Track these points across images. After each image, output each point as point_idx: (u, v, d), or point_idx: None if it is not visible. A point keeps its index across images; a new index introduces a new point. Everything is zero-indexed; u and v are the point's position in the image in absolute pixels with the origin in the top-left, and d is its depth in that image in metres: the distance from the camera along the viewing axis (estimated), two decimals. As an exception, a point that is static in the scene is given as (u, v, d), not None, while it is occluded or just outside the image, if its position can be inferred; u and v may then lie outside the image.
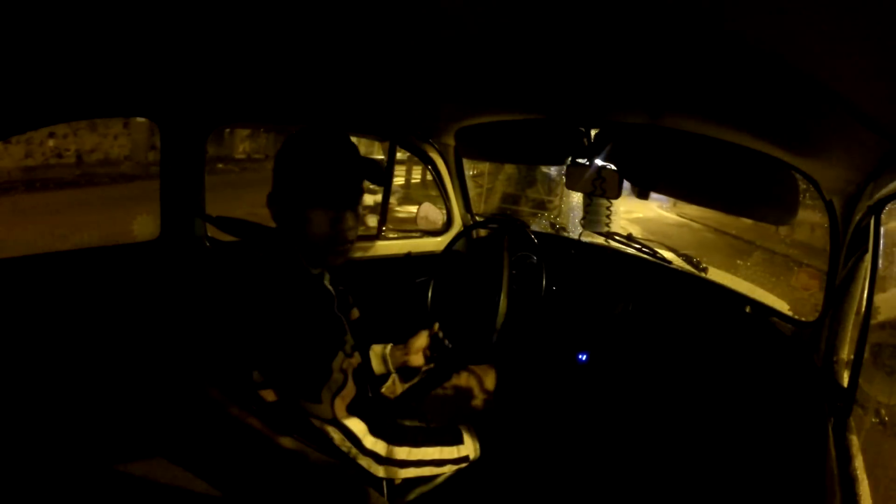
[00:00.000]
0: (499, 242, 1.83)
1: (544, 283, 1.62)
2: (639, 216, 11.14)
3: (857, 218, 1.07)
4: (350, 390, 0.90)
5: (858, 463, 0.91)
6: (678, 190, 1.75)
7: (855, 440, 0.96)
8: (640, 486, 1.43)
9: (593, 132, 1.64)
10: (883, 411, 1.01)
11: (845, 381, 1.06)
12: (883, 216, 0.97)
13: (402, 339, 1.42)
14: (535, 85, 1.31)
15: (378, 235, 2.01)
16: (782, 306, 1.43)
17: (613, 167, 1.62)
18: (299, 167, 0.92)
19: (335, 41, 1.02)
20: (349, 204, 0.96)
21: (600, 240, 1.96)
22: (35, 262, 1.25)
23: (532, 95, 1.44)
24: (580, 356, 1.69)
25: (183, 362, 1.11)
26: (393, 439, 0.93)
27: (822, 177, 1.17)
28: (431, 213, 2.23)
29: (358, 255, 1.93)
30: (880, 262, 0.98)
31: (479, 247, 2.15)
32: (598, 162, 1.64)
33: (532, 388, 1.65)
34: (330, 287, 1.02)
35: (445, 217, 2.24)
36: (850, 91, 0.76)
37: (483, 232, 2.21)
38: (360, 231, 1.04)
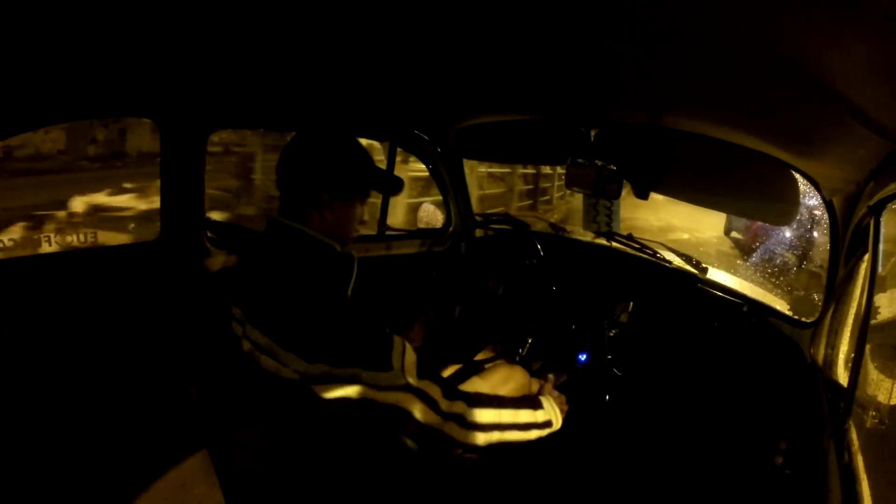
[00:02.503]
0: (496, 244, 1.83)
1: (544, 284, 1.62)
2: (682, 237, 7.54)
3: (857, 218, 1.07)
4: (411, 353, 0.90)
5: (858, 463, 0.91)
6: (678, 190, 1.75)
7: (855, 440, 0.96)
8: (639, 484, 1.43)
9: (593, 132, 1.64)
10: (883, 411, 1.01)
11: (845, 381, 1.06)
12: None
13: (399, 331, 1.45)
14: (534, 85, 1.31)
15: (379, 235, 2.01)
16: (782, 306, 1.43)
17: (613, 167, 1.62)
18: (341, 163, 0.98)
19: (335, 42, 1.02)
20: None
21: (601, 240, 1.96)
22: (35, 263, 1.25)
23: (532, 95, 1.44)
24: (580, 356, 1.69)
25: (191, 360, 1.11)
26: (470, 402, 0.92)
27: (822, 177, 1.17)
28: (431, 212, 2.23)
29: (360, 254, 1.93)
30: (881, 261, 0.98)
31: (479, 247, 2.15)
32: (598, 162, 1.64)
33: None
34: (355, 258, 1.02)
35: (445, 217, 2.24)
36: (851, 91, 0.76)
37: (482, 232, 2.21)
38: (361, 231, 1.06)
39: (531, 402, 1.06)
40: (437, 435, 0.88)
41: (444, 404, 0.88)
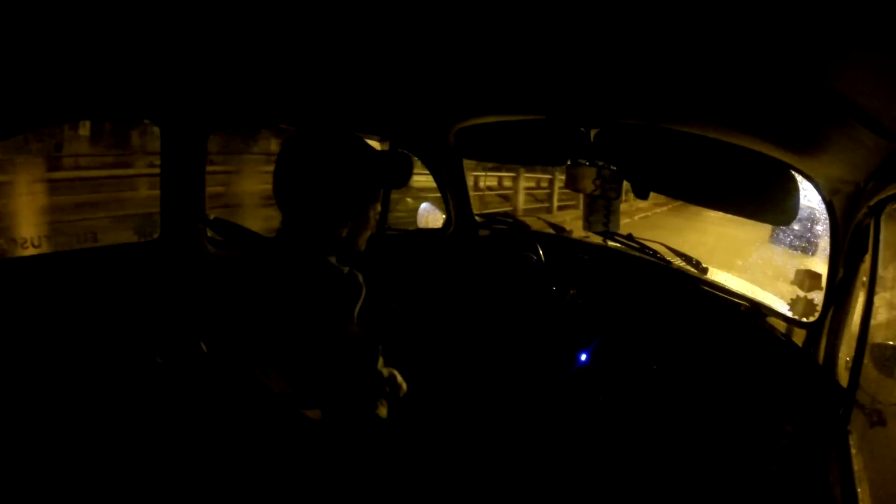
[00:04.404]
0: (496, 244, 1.83)
1: (544, 284, 1.62)
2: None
3: (858, 218, 1.07)
4: (402, 384, 0.93)
5: (858, 463, 0.91)
6: (678, 190, 1.75)
7: (855, 440, 0.96)
8: (637, 484, 1.43)
9: (593, 132, 1.64)
10: (883, 411, 1.01)
11: (845, 381, 1.06)
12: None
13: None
14: (535, 85, 1.31)
15: (379, 235, 2.01)
16: (782, 306, 1.43)
17: (613, 167, 1.62)
18: (347, 170, 0.91)
19: (336, 41, 1.02)
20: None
21: (600, 240, 1.96)
22: (35, 263, 1.25)
23: (532, 95, 1.44)
24: (580, 356, 1.69)
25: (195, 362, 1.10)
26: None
27: (822, 177, 1.17)
28: (431, 213, 2.23)
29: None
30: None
31: (478, 247, 2.15)
32: (598, 162, 1.64)
33: (533, 388, 1.65)
34: (362, 283, 0.98)
35: (445, 217, 2.24)
36: (852, 92, 0.76)
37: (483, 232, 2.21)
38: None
39: None
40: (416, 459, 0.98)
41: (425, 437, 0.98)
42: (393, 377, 0.92)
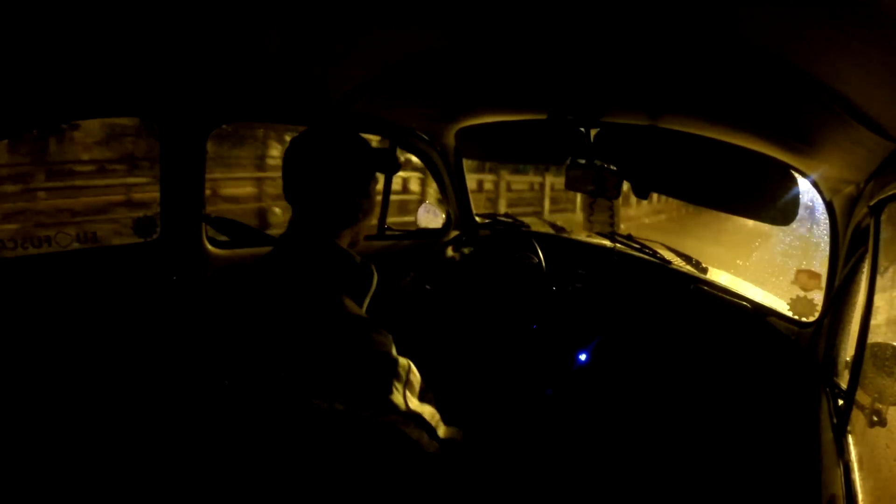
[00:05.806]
0: (496, 244, 1.83)
1: (544, 284, 1.62)
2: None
3: (858, 218, 1.07)
4: (415, 374, 0.91)
5: (858, 463, 0.91)
6: (678, 190, 1.75)
7: (855, 440, 0.96)
8: (638, 486, 1.43)
9: (593, 132, 1.64)
10: (883, 411, 1.01)
11: (845, 382, 1.06)
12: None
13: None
14: (535, 85, 1.31)
15: (379, 235, 2.01)
16: (782, 306, 1.43)
17: (613, 167, 1.62)
18: (355, 160, 0.95)
19: (335, 40, 1.02)
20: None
21: (600, 240, 1.96)
22: (35, 263, 1.25)
23: (532, 95, 1.44)
24: (580, 356, 1.69)
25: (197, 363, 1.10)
26: (465, 425, 0.96)
27: (822, 177, 1.17)
28: (431, 213, 2.23)
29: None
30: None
31: (479, 247, 2.15)
32: (598, 162, 1.64)
33: (532, 388, 1.65)
34: (374, 271, 1.01)
35: (445, 218, 2.24)
36: (851, 91, 0.76)
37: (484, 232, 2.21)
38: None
39: None
40: (431, 457, 0.91)
41: (441, 430, 0.91)
42: (409, 367, 0.92)
